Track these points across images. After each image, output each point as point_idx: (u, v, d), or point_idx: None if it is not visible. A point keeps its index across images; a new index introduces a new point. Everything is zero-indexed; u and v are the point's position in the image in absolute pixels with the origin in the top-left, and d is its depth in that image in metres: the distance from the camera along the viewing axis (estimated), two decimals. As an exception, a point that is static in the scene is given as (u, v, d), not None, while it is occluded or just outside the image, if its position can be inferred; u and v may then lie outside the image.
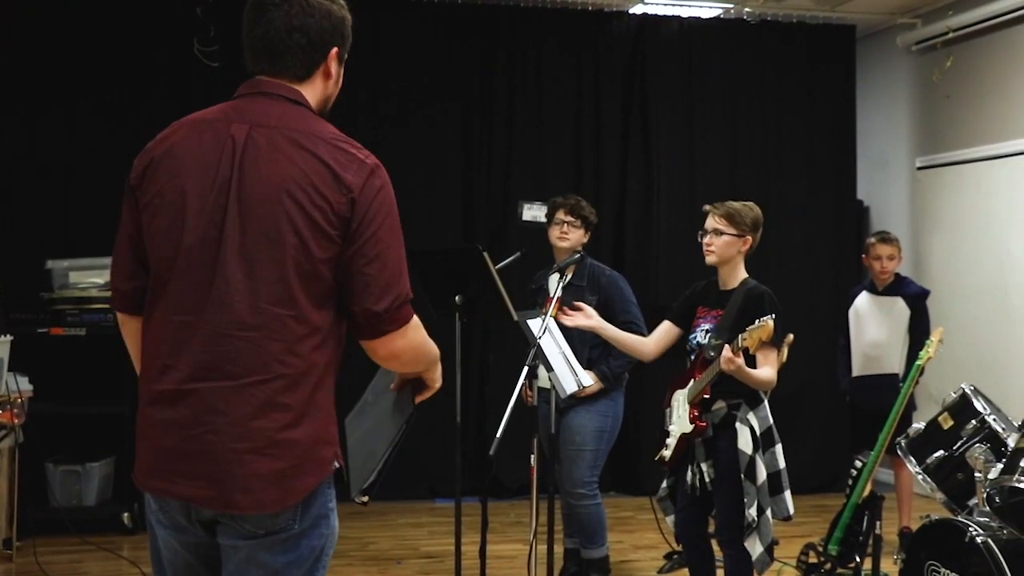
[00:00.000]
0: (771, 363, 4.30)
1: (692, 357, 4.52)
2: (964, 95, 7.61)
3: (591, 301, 5.26)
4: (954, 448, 4.55)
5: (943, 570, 4.15)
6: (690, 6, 7.85)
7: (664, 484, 4.69)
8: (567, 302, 5.25)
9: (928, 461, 4.63)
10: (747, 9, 7.82)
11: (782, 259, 7.91)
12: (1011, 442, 4.22)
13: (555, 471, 5.11)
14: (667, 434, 4.55)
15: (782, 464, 4.37)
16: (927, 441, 4.70)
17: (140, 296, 2.35)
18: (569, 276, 5.24)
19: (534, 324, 4.60)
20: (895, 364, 6.17)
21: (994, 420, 4.48)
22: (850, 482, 5.17)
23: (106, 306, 6.27)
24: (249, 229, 2.23)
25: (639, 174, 7.95)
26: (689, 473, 4.47)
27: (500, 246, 6.99)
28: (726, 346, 4.16)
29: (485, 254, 4.70)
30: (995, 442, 4.38)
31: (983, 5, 7.25)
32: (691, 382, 4.45)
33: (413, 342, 2.38)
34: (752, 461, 4.28)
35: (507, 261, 5.22)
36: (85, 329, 6.31)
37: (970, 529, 4.03)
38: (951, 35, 7.51)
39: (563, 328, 4.99)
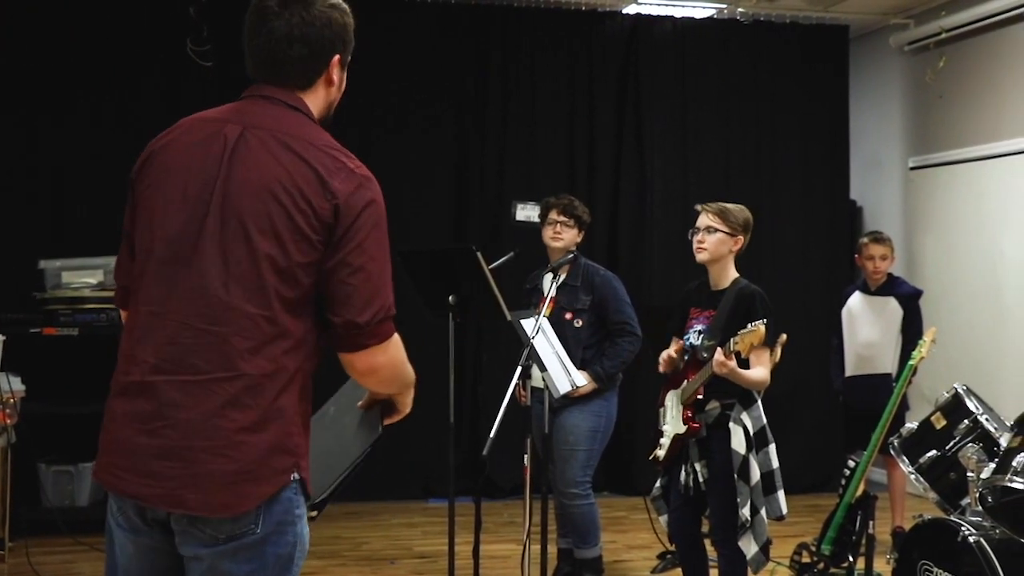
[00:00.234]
0: (763, 363, 4.32)
1: (686, 358, 4.52)
2: (957, 95, 7.62)
3: (585, 301, 5.28)
4: (947, 448, 4.55)
5: (936, 569, 4.15)
6: (683, 6, 7.86)
7: (658, 484, 4.69)
8: (562, 302, 5.27)
9: (921, 461, 4.63)
10: (740, 9, 7.83)
11: (775, 259, 7.91)
12: (1003, 442, 4.23)
13: (548, 471, 5.12)
14: (661, 434, 4.56)
15: (775, 464, 4.38)
16: (920, 441, 4.71)
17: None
18: (563, 276, 5.25)
19: (527, 324, 4.60)
20: (888, 364, 6.18)
21: (986, 420, 4.49)
22: (843, 482, 5.17)
23: (99, 306, 6.26)
24: (229, 226, 2.21)
25: (632, 174, 7.95)
26: (683, 473, 4.47)
27: (493, 246, 6.98)
28: (718, 349, 4.17)
29: (479, 254, 4.70)
30: (987, 442, 4.39)
31: (976, 5, 7.27)
32: (684, 383, 4.45)
33: (394, 360, 2.33)
34: (745, 461, 4.29)
35: (500, 261, 5.22)
36: (78, 329, 6.30)
37: (963, 529, 4.03)
38: (944, 35, 7.52)
39: (557, 328, 5.00)
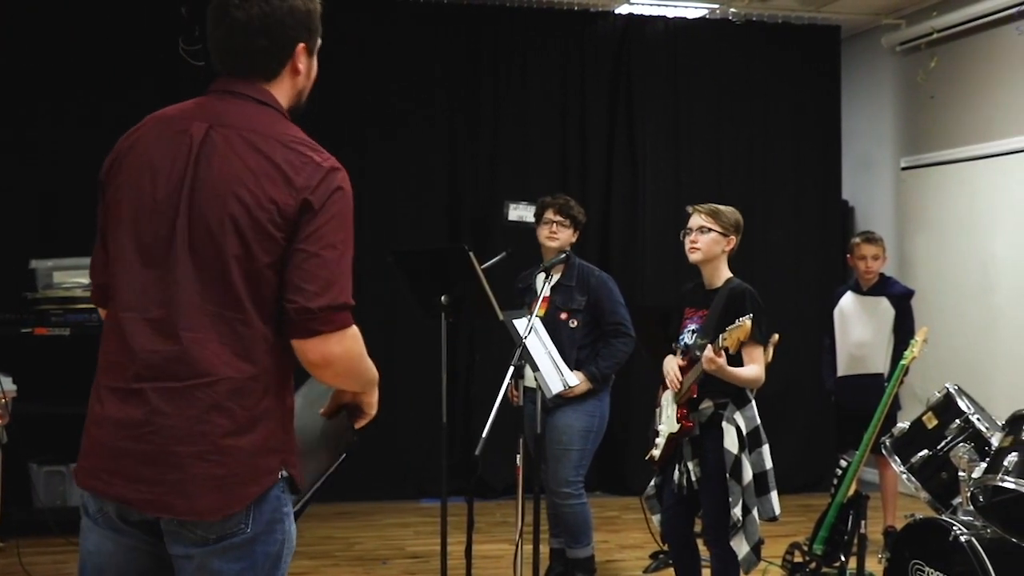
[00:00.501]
0: (757, 361, 4.33)
1: (681, 358, 4.53)
2: (948, 95, 7.64)
3: (581, 301, 5.28)
4: (938, 447, 4.56)
5: (927, 569, 4.16)
6: (675, 6, 7.86)
7: (652, 483, 4.70)
8: (557, 302, 5.27)
9: (912, 460, 4.64)
10: (732, 9, 7.84)
11: (767, 259, 7.92)
12: (995, 441, 4.24)
13: (541, 471, 5.12)
14: (656, 434, 4.56)
15: (769, 464, 4.39)
16: (911, 440, 4.72)
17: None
18: (557, 276, 5.25)
19: (520, 324, 4.60)
20: (880, 364, 6.18)
21: (978, 419, 4.50)
22: (835, 481, 5.18)
23: (90, 306, 6.23)
24: (197, 230, 2.20)
25: (625, 174, 7.96)
26: (676, 472, 4.48)
27: (486, 246, 6.98)
28: (708, 346, 4.18)
29: (471, 254, 4.70)
30: (979, 441, 4.40)
31: (967, 6, 7.28)
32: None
33: (350, 352, 2.26)
34: (738, 461, 4.30)
35: (493, 261, 5.22)
36: (69, 329, 6.28)
37: (954, 528, 4.04)
38: (935, 36, 7.54)
39: (552, 328, 5.00)
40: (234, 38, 2.30)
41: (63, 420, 6.49)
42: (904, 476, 4.69)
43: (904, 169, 8.05)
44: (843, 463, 5.17)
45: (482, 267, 4.75)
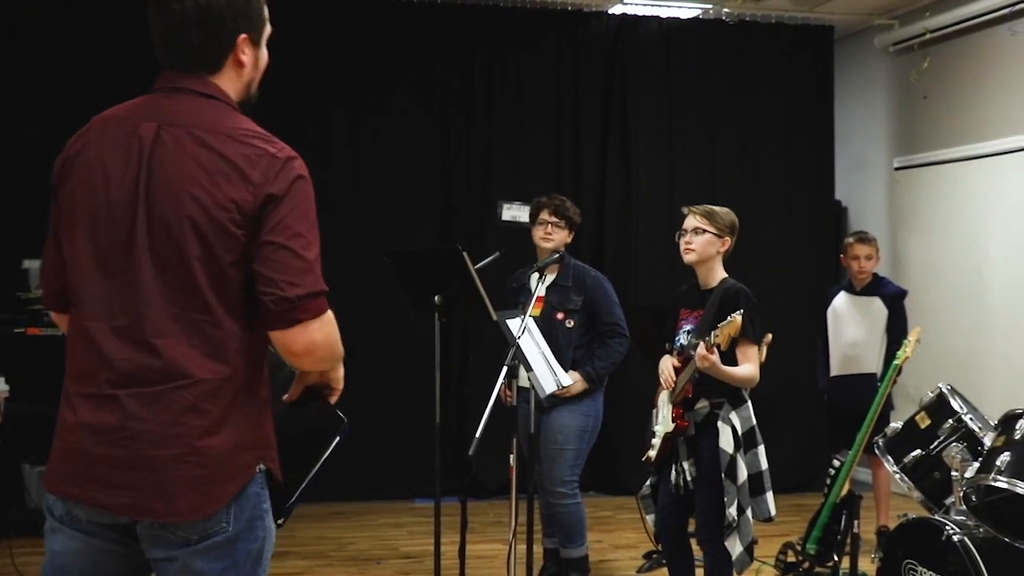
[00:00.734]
0: (751, 360, 4.32)
1: (676, 358, 4.53)
2: (941, 96, 7.65)
3: (577, 302, 5.28)
4: (931, 447, 4.56)
5: (920, 568, 4.17)
6: (669, 6, 7.87)
7: (648, 482, 4.70)
8: (553, 302, 5.27)
9: (905, 460, 4.64)
10: (726, 10, 7.84)
11: (760, 259, 7.93)
12: (987, 441, 4.25)
13: (534, 471, 5.12)
14: (653, 434, 4.56)
15: (764, 465, 4.39)
16: (904, 440, 4.72)
17: (67, 294, 2.30)
18: (552, 276, 5.25)
19: (513, 324, 4.60)
20: (873, 364, 6.19)
21: (971, 419, 4.50)
22: (828, 481, 5.18)
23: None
24: (156, 233, 2.17)
25: (618, 174, 7.96)
26: (672, 472, 4.48)
27: (479, 246, 6.98)
28: (701, 344, 4.19)
29: (464, 254, 4.70)
30: (972, 441, 4.40)
31: (960, 7, 7.30)
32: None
33: (329, 338, 2.25)
34: (733, 460, 4.30)
35: (486, 261, 5.21)
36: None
37: (947, 528, 4.05)
38: (928, 36, 7.55)
39: (547, 329, 5.00)
40: (172, 31, 2.26)
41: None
42: (897, 476, 4.69)
43: (897, 169, 8.07)
44: (836, 463, 5.17)
45: (476, 267, 4.75)
